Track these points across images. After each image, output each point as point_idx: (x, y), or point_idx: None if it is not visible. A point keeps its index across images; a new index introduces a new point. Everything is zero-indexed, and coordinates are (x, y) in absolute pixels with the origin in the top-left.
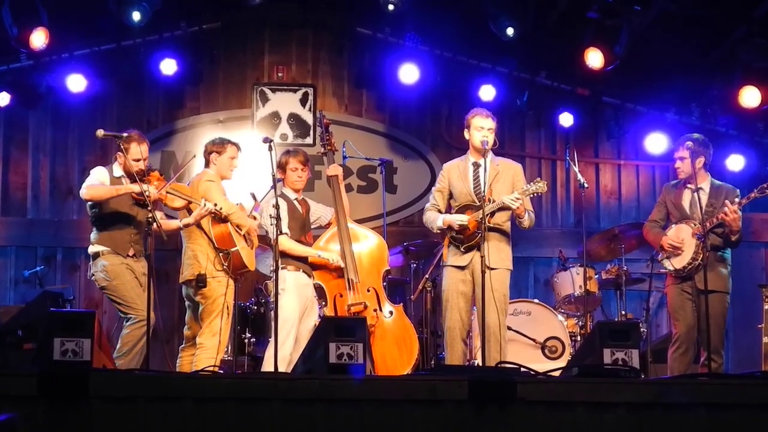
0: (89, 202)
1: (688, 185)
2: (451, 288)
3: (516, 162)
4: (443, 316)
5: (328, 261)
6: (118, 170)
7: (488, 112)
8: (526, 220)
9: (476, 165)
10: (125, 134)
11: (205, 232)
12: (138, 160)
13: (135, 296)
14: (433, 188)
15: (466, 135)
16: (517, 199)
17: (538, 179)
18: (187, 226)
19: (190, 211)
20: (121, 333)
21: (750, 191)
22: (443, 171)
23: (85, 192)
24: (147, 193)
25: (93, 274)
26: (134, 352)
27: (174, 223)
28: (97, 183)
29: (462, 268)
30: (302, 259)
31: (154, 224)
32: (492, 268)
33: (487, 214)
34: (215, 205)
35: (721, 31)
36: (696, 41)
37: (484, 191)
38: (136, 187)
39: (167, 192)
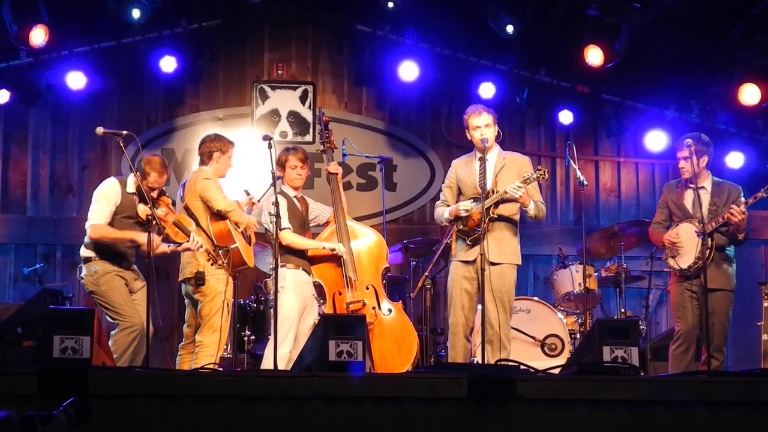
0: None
1: (690, 184)
2: (455, 284)
3: (524, 155)
4: (446, 311)
5: (335, 250)
6: (131, 186)
7: (482, 108)
8: (532, 209)
9: (482, 160)
10: (125, 132)
11: (204, 230)
12: (154, 189)
13: (123, 302)
14: (442, 185)
15: (468, 136)
16: (519, 187)
17: (540, 167)
18: (174, 252)
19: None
20: (110, 340)
21: (750, 188)
22: (452, 167)
23: (91, 232)
24: (151, 239)
25: (82, 277)
26: (123, 359)
27: (162, 247)
28: (103, 222)
29: (468, 263)
30: (303, 257)
31: (155, 244)
32: (495, 263)
33: (490, 205)
34: (212, 250)
35: (720, 28)
36: (696, 39)
37: (488, 185)
38: (142, 237)
39: (173, 223)
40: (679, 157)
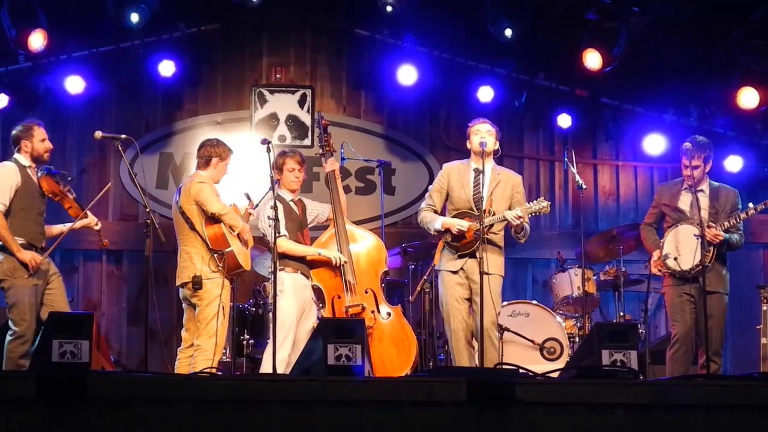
0: None
1: (686, 187)
2: (449, 293)
3: (516, 173)
4: (445, 321)
5: (330, 259)
6: (25, 160)
7: (486, 120)
8: (522, 237)
9: (477, 171)
10: (123, 136)
11: (199, 234)
12: (44, 140)
13: (31, 305)
14: (430, 187)
15: (468, 144)
16: (519, 217)
17: (542, 198)
18: (72, 230)
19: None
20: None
21: (749, 192)
22: (443, 171)
23: None
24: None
25: None
26: (9, 368)
27: (57, 228)
28: (2, 208)
29: (455, 272)
30: (301, 260)
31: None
32: (488, 273)
33: (487, 226)
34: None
35: (719, 32)
36: (694, 43)
37: (483, 201)
38: (22, 255)
39: (73, 199)
40: (691, 165)
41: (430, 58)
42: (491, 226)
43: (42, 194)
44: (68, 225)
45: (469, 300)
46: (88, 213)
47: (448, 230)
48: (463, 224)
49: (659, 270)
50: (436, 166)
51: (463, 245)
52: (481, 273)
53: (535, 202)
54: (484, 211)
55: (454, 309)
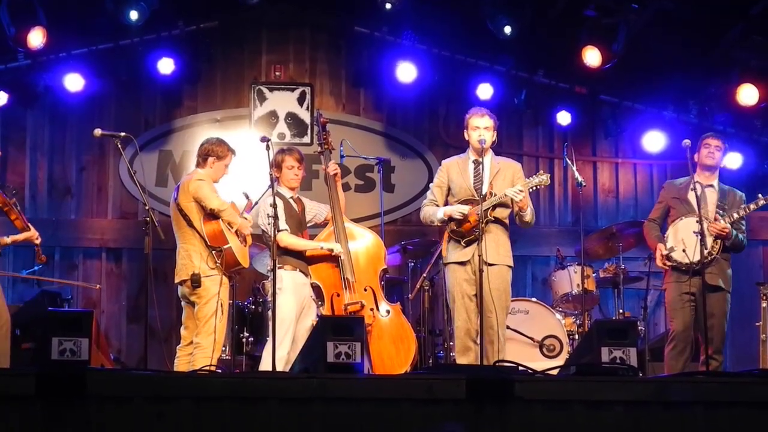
0: None
1: (695, 183)
2: (456, 288)
3: (516, 161)
4: (451, 316)
5: (333, 250)
6: None
7: (484, 111)
8: (528, 215)
9: (477, 163)
10: (123, 134)
11: (197, 231)
12: None
13: None
14: (431, 184)
15: (466, 136)
16: (520, 191)
17: (541, 172)
18: (15, 242)
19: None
20: None
21: (748, 189)
22: (442, 167)
23: None
24: None
25: None
26: None
27: (2, 240)
28: None
29: (464, 263)
30: (300, 258)
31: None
32: (491, 264)
33: (488, 208)
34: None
35: (718, 29)
36: (693, 39)
37: (484, 188)
38: None
39: (14, 205)
40: (712, 144)
41: (429, 55)
42: (494, 209)
43: None
44: (11, 237)
45: (477, 296)
46: (31, 227)
47: (451, 218)
48: (463, 209)
49: (664, 264)
50: (436, 163)
51: (466, 231)
52: (481, 268)
53: (534, 176)
54: (486, 195)
55: (459, 305)
